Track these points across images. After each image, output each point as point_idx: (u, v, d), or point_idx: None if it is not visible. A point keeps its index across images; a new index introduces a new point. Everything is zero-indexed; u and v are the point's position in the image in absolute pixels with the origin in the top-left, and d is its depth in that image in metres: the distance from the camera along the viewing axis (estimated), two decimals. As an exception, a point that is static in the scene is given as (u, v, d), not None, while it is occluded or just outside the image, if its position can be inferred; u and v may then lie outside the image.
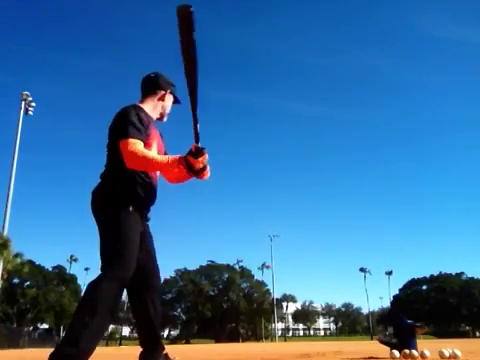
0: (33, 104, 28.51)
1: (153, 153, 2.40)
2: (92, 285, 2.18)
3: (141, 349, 2.53)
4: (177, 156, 2.27)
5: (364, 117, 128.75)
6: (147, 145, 2.39)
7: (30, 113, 28.40)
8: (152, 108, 2.61)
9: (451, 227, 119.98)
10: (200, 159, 2.20)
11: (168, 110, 2.70)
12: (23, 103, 28.11)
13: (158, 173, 2.59)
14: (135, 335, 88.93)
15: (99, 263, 2.28)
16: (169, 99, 2.69)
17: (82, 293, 2.35)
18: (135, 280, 2.37)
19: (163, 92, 2.64)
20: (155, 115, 2.64)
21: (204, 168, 2.27)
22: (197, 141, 2.23)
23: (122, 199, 2.34)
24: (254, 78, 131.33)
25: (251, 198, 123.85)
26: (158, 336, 2.52)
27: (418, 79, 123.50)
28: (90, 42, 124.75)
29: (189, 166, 2.21)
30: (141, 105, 2.56)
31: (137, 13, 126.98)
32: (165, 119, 2.71)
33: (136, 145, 2.29)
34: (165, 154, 2.59)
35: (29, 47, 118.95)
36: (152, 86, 2.64)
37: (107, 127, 2.49)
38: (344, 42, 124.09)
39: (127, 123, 2.34)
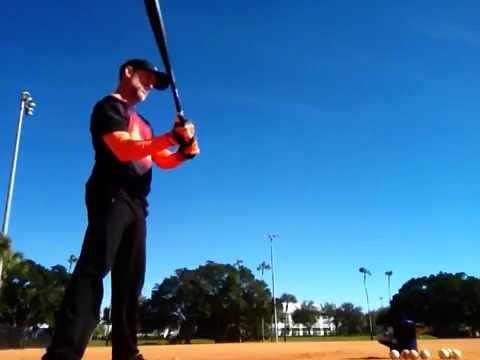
0: (33, 104, 28.48)
1: (140, 140, 2.37)
2: (73, 284, 2.16)
3: (113, 348, 2.41)
4: (164, 133, 2.27)
5: (364, 118, 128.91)
6: (131, 130, 2.38)
7: (30, 113, 28.39)
8: (123, 93, 2.52)
9: (451, 227, 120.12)
10: (187, 127, 2.21)
11: (139, 86, 2.52)
12: (23, 103, 28.09)
13: (150, 160, 2.54)
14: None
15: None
16: (137, 76, 2.52)
17: None
18: (117, 277, 2.36)
19: (127, 71, 2.52)
20: (129, 98, 2.52)
21: (193, 139, 2.29)
22: (179, 109, 2.25)
23: (103, 191, 2.30)
24: (255, 79, 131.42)
25: (251, 198, 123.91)
26: (130, 337, 2.38)
27: (418, 80, 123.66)
28: (91, 43, 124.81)
29: (179, 138, 2.21)
30: (115, 94, 2.50)
31: (138, 15, 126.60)
32: (142, 97, 2.55)
33: (122, 137, 2.27)
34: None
35: (29, 48, 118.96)
36: (120, 71, 2.57)
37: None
38: (344, 44, 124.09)
39: (105, 118, 2.31)
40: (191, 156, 2.41)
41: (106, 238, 2.21)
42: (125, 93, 2.53)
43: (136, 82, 2.53)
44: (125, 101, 2.48)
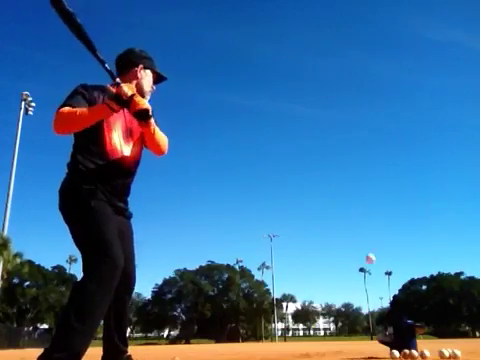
0: (33, 104, 28.48)
1: (78, 108, 2.14)
2: (78, 287, 2.05)
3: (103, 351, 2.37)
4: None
5: (364, 118, 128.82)
6: (107, 127, 2.25)
7: (30, 113, 28.40)
8: None
9: (451, 227, 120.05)
10: (122, 84, 2.09)
11: (147, 87, 2.41)
12: (23, 103, 28.11)
13: (127, 155, 2.32)
14: (135, 335, 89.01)
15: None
16: (146, 75, 2.41)
17: None
18: None
19: (136, 68, 2.39)
20: None
21: (133, 96, 2.06)
22: (114, 78, 2.18)
23: (80, 195, 2.16)
24: (255, 80, 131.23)
25: (251, 198, 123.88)
26: (118, 339, 2.34)
27: (418, 81, 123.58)
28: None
29: (116, 97, 2.07)
30: (111, 87, 2.32)
31: (138, 16, 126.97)
32: (147, 97, 2.41)
33: (61, 110, 2.12)
34: (140, 138, 2.42)
35: (29, 48, 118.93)
36: (123, 65, 2.41)
37: None
38: (344, 44, 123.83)
39: (64, 99, 2.19)
40: (142, 113, 2.10)
41: (111, 240, 2.10)
42: None
43: (147, 85, 2.42)
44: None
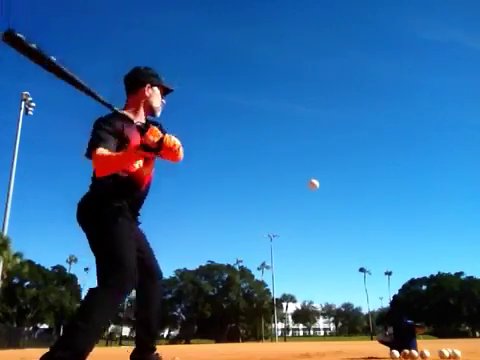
0: (33, 104, 28.54)
1: (112, 153, 2.20)
2: (91, 293, 2.14)
3: (135, 347, 2.57)
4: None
5: (363, 118, 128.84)
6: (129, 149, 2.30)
7: (30, 113, 28.43)
8: (135, 109, 2.45)
9: (451, 227, 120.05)
10: (147, 136, 1.98)
11: (156, 104, 2.50)
12: (23, 103, 28.13)
13: (146, 175, 2.45)
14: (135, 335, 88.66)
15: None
16: (154, 92, 2.49)
17: (82, 293, 2.34)
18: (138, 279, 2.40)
19: (143, 88, 2.46)
20: (142, 115, 2.48)
21: (160, 143, 1.96)
22: (112, 108, 2.10)
23: (108, 212, 2.29)
24: (254, 80, 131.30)
25: (251, 198, 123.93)
26: (152, 335, 2.58)
27: (418, 81, 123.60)
28: (90, 45, 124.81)
29: (144, 147, 1.99)
30: (122, 111, 2.34)
31: (138, 16, 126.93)
32: (158, 113, 2.53)
33: (99, 153, 2.15)
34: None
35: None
36: (131, 85, 2.48)
37: None
38: (344, 44, 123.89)
39: (93, 136, 2.24)
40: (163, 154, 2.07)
41: (128, 255, 2.21)
42: (139, 112, 2.46)
43: (156, 102, 2.50)
44: (131, 117, 2.35)
